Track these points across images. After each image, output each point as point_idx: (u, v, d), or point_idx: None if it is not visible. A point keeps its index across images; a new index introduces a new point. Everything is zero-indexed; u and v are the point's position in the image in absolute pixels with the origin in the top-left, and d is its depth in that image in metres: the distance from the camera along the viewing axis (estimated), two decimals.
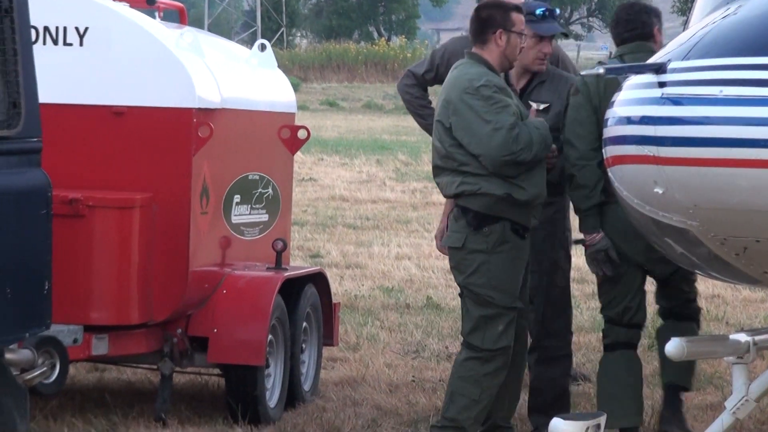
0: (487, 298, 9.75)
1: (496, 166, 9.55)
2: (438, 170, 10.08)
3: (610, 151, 9.22)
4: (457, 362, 10.14)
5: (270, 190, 12.45)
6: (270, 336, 11.20)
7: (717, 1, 9.88)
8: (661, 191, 8.52)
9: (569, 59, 12.82)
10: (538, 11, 11.19)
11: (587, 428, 9.34)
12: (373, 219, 25.62)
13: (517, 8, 10.34)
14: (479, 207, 9.63)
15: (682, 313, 11.31)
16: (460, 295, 10.15)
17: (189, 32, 12.63)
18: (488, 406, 10.05)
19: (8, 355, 8.37)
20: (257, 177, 12.15)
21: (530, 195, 9.77)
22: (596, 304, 13.08)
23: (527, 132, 9.69)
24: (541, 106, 10.80)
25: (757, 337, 10.32)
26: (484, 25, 9.89)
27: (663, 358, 11.20)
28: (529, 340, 11.29)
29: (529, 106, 10.62)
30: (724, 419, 9.98)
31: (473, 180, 9.59)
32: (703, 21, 9.61)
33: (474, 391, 9.89)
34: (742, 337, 10.34)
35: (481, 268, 9.69)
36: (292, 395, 11.82)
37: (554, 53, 12.33)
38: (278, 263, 11.77)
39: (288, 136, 12.63)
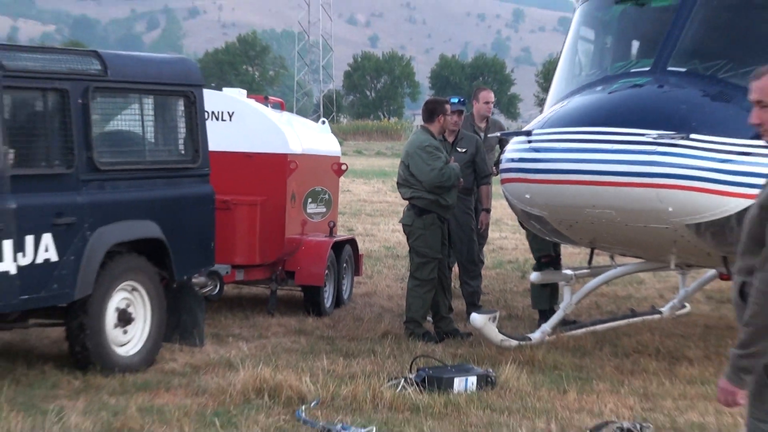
0: (423, 252, 13.85)
1: (430, 187, 13.56)
2: (400, 186, 14.33)
3: (503, 175, 12.26)
4: (408, 287, 14.15)
5: (327, 196, 16.19)
6: (326, 271, 15.12)
7: (556, 98, 12.63)
8: (528, 197, 11.49)
9: (499, 122, 16.36)
10: (454, 100, 14.73)
11: (489, 318, 12.67)
12: (380, 211, 28.66)
13: (447, 102, 14.33)
14: (421, 205, 13.82)
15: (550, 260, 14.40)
16: (409, 251, 14.33)
17: (285, 114, 16.95)
18: (427, 307, 14.07)
19: (194, 280, 12.54)
20: (320, 189, 15.95)
21: (448, 203, 13.76)
22: (495, 255, 18.44)
23: (448, 171, 13.44)
24: (462, 150, 14.73)
25: (578, 272, 13.80)
26: (432, 112, 13.67)
27: (532, 289, 14.79)
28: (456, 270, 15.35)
29: (458, 152, 14.63)
30: (556, 317, 13.57)
31: (418, 192, 13.73)
32: (549, 109, 12.47)
33: (418, 301, 13.90)
34: (569, 272, 13.74)
35: (420, 236, 13.83)
36: (338, 301, 16.07)
37: (492, 119, 16.12)
38: (330, 234, 15.98)
39: (336, 168, 16.64)
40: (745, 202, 9.55)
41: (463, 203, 14.53)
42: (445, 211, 13.86)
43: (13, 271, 9.93)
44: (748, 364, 5.13)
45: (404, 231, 14.32)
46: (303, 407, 9.92)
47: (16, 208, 9.94)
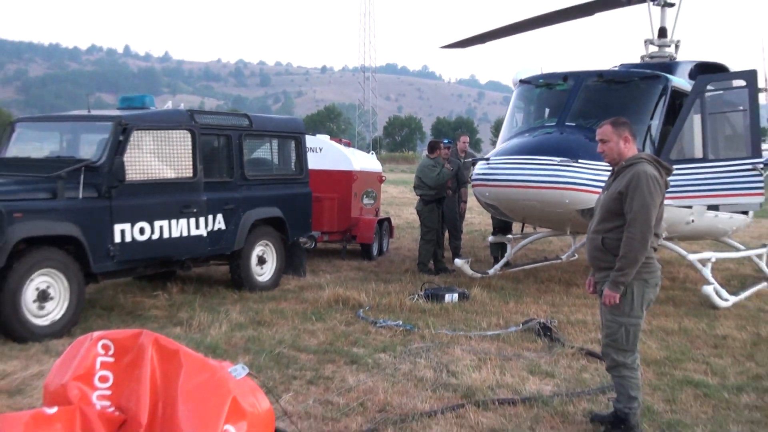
0: (428, 225, 13.28)
1: (434, 185, 13.04)
2: (415, 188, 13.54)
3: (473, 183, 11.43)
4: (420, 245, 13.51)
5: (374, 194, 15.49)
6: (374, 235, 14.62)
7: (502, 140, 12.07)
8: (487, 194, 10.98)
9: (472, 153, 15.22)
10: (446, 141, 14.10)
11: (465, 261, 12.56)
12: (403, 203, 26.53)
13: (441, 142, 13.90)
14: (427, 198, 13.28)
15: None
16: (420, 224, 13.64)
17: (351, 149, 16.31)
18: (430, 255, 13.44)
19: (300, 239, 12.16)
20: (370, 190, 15.33)
21: (441, 196, 13.35)
22: (468, 227, 17.30)
23: (442, 173, 12.99)
24: (450, 168, 13.50)
25: (515, 236, 13.54)
26: (433, 147, 13.47)
27: (490, 246, 14.32)
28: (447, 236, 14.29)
29: (448, 169, 13.39)
30: (503, 261, 13.14)
31: (425, 191, 13.23)
32: (499, 146, 11.82)
33: (424, 252, 13.34)
34: (510, 236, 13.51)
35: (426, 216, 13.26)
36: (380, 251, 15.24)
37: (468, 152, 15.08)
38: (376, 214, 15.43)
39: (379, 178, 16.01)
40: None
41: (451, 198, 13.99)
42: (439, 201, 13.44)
43: (204, 234, 10.23)
44: (623, 280, 5.44)
45: (417, 213, 13.87)
46: (361, 310, 9.90)
47: (206, 200, 10.19)
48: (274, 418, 4.62)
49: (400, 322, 9.23)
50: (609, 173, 5.88)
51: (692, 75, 12.26)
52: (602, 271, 5.72)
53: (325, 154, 14.78)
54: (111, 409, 4.37)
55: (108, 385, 4.44)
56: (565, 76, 11.64)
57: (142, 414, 4.29)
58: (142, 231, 9.33)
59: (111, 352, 4.51)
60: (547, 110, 11.69)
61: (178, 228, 9.79)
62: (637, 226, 5.40)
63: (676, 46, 13.63)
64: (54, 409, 4.20)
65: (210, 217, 10.28)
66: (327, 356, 7.83)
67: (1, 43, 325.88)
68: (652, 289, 5.69)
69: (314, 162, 13.51)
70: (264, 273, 11.50)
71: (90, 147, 9.70)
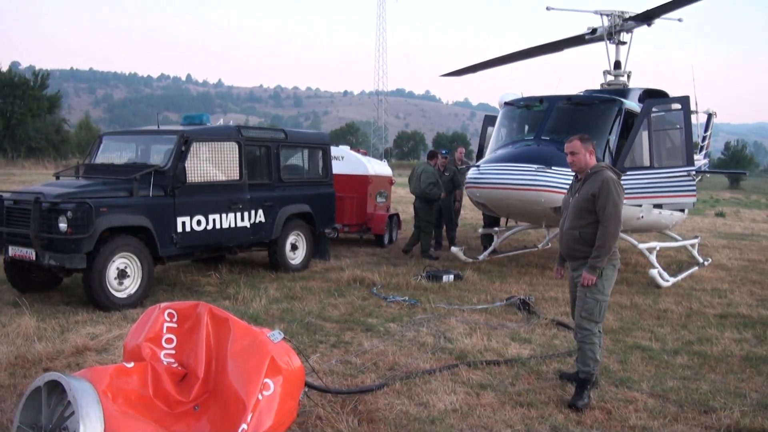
0: (427, 219, 12.95)
1: (421, 193, 12.77)
2: (413, 191, 13.13)
3: (466, 185, 11.21)
4: (422, 237, 13.07)
5: (385, 194, 15.21)
6: (385, 227, 14.47)
7: (490, 150, 11.92)
8: (478, 194, 10.83)
9: (467, 161, 14.77)
10: (443, 152, 14.28)
11: (460, 249, 12.50)
12: (409, 202, 28.69)
13: (439, 152, 13.94)
14: (424, 198, 12.89)
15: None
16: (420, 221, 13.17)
17: (367, 157, 15.88)
18: (430, 244, 13.24)
19: (325, 230, 12.08)
20: (383, 191, 15.04)
21: (437, 197, 12.98)
22: (462, 221, 16.58)
23: (434, 189, 12.80)
24: (447, 174, 13.79)
25: (500, 228, 13.33)
26: (432, 156, 13.25)
27: (481, 236, 14.05)
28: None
29: (445, 175, 13.76)
30: (490, 248, 12.96)
31: (421, 193, 12.83)
32: (487, 156, 11.67)
33: (426, 241, 13.02)
34: (497, 228, 13.36)
35: (424, 213, 12.95)
36: (390, 240, 14.98)
37: (463, 160, 14.76)
38: (387, 210, 15.12)
39: (389, 181, 15.64)
40: None
41: (447, 198, 13.86)
42: (434, 200, 13.17)
43: (248, 226, 10.15)
44: (599, 265, 5.50)
45: (415, 210, 13.53)
46: (374, 287, 9.87)
47: (249, 198, 10.14)
48: (305, 374, 4.65)
49: (407, 298, 9.22)
50: (573, 178, 5.92)
51: (641, 99, 12.39)
52: (578, 260, 5.75)
53: (346, 161, 14.69)
54: (175, 365, 4.44)
55: (172, 345, 4.50)
56: (541, 99, 11.64)
57: (199, 369, 4.36)
58: (199, 223, 9.39)
59: (175, 320, 4.58)
60: (526, 127, 11.66)
61: (228, 221, 9.80)
62: (611, 221, 5.48)
63: (628, 76, 13.83)
64: (131, 364, 4.27)
65: (253, 211, 10.26)
66: (347, 325, 7.84)
67: (94, 72, 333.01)
68: (616, 272, 5.75)
69: (337, 168, 13.42)
70: (296, 257, 11.46)
71: (159, 155, 9.78)
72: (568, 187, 9.57)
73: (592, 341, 5.57)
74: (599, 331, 5.68)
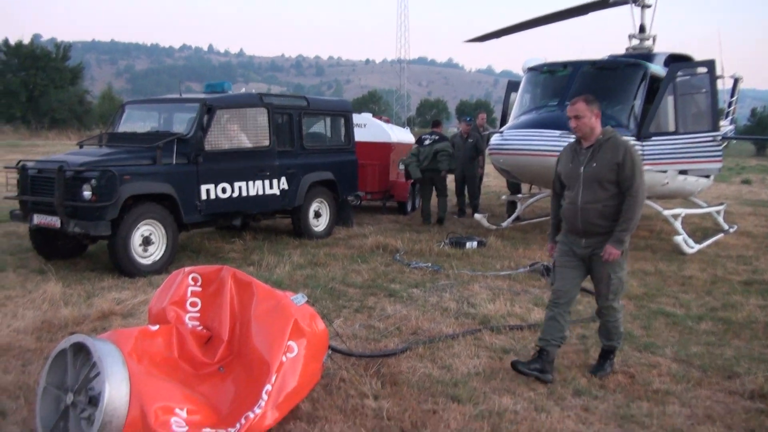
0: (445, 186, 12.96)
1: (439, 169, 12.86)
2: (421, 167, 12.87)
3: (490, 151, 11.20)
4: (440, 202, 13.03)
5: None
6: (408, 194, 14.49)
7: (513, 116, 11.82)
8: (501, 160, 10.82)
9: (489, 127, 14.70)
10: (467, 118, 14.36)
11: (483, 216, 12.54)
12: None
13: (463, 119, 13.97)
14: (431, 169, 12.80)
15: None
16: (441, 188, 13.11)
17: (389, 125, 15.80)
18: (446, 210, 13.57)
19: (348, 197, 12.06)
20: (405, 157, 13.81)
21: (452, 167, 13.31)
22: (485, 188, 16.61)
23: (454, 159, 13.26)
24: (471, 140, 13.84)
25: (524, 195, 13.33)
26: (436, 124, 13.36)
27: (507, 204, 14.30)
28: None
29: (468, 141, 13.88)
30: (514, 215, 13.00)
31: (447, 164, 12.74)
32: (511, 122, 11.58)
33: (444, 207, 13.03)
34: (520, 195, 13.46)
35: (441, 181, 12.96)
36: (413, 207, 14.83)
37: (485, 126, 14.69)
38: (406, 177, 14.05)
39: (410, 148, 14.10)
40: None
41: (471, 165, 13.90)
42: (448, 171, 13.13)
43: (277, 193, 10.21)
44: (627, 239, 5.10)
45: (435, 181, 13.22)
46: (397, 254, 9.87)
47: (278, 165, 10.16)
48: (328, 337, 4.67)
49: (429, 264, 9.22)
50: (573, 145, 5.40)
51: (666, 63, 12.17)
52: (596, 236, 5.20)
53: (369, 129, 14.62)
54: (199, 328, 4.48)
55: (197, 309, 4.54)
56: (565, 64, 11.52)
57: (223, 332, 4.41)
58: (224, 190, 9.41)
59: (199, 283, 4.61)
60: (550, 92, 11.54)
61: (255, 188, 9.81)
62: (639, 191, 5.05)
63: (654, 40, 13.60)
64: (156, 327, 4.33)
65: (280, 179, 10.25)
66: (370, 290, 7.87)
67: (115, 44, 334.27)
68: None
69: (359, 135, 13.35)
70: (319, 224, 11.48)
71: (181, 123, 9.81)
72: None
73: (616, 318, 5.35)
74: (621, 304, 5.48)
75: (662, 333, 6.48)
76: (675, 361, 5.65)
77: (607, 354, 5.43)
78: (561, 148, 9.48)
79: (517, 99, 12.38)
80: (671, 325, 6.73)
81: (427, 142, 13.04)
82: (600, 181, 5.13)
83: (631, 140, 10.12)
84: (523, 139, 10.43)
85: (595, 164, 5.15)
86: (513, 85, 13.34)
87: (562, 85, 11.21)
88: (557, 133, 10.04)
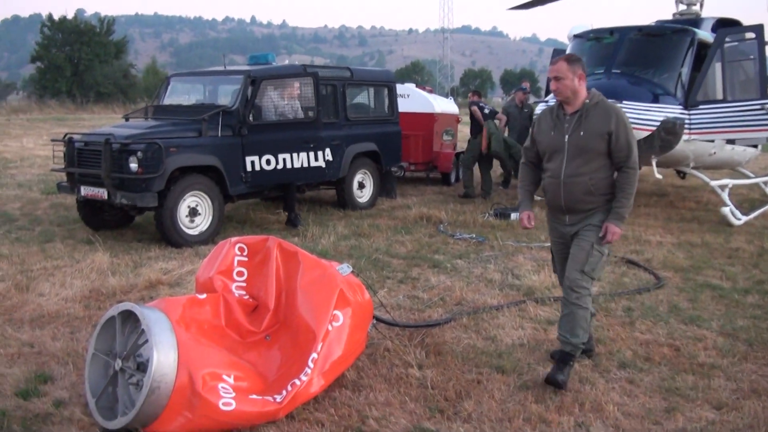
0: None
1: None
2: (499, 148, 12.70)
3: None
4: (486, 174, 12.91)
5: (452, 131, 15.00)
6: (452, 165, 14.41)
7: None
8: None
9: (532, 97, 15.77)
10: (523, 87, 14.24)
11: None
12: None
13: (520, 88, 13.85)
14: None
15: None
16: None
17: (433, 95, 15.83)
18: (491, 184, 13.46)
19: (392, 168, 12.05)
20: (449, 129, 14.83)
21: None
22: None
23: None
24: (526, 110, 13.85)
25: None
26: (476, 93, 14.25)
27: None
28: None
29: (524, 111, 13.87)
30: None
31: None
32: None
33: (488, 182, 13.09)
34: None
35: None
36: (457, 179, 14.65)
37: (527, 96, 14.63)
38: (454, 148, 14.89)
39: (456, 119, 15.37)
40: (644, 134, 9.51)
41: (526, 134, 13.41)
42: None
43: (322, 164, 10.12)
44: (626, 214, 4.52)
45: (495, 152, 13.01)
46: (441, 225, 9.91)
47: (322, 136, 10.11)
48: (373, 307, 4.71)
49: (474, 235, 9.22)
50: (553, 110, 4.65)
51: (713, 29, 11.94)
52: (582, 213, 4.59)
53: (412, 99, 14.51)
54: (246, 297, 4.53)
55: (243, 278, 4.58)
56: (611, 31, 11.33)
57: (270, 301, 4.45)
58: (268, 162, 9.46)
59: (245, 253, 4.66)
60: (595, 60, 11.30)
61: (299, 160, 9.83)
62: (634, 160, 4.46)
63: (701, 5, 13.34)
64: (204, 296, 4.38)
65: (324, 150, 10.22)
66: (414, 261, 7.88)
67: (159, 17, 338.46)
68: None
69: (403, 106, 13.24)
70: (363, 195, 11.50)
71: (226, 96, 9.86)
72: (640, 121, 9.51)
73: (586, 304, 4.54)
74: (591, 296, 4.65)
75: (708, 306, 6.38)
76: (721, 334, 5.57)
77: (566, 358, 4.57)
78: None
79: None
80: (717, 298, 6.62)
81: (486, 111, 12.93)
82: (588, 151, 4.49)
83: (678, 109, 10.08)
84: None
85: (582, 133, 4.49)
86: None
87: (609, 52, 11.03)
88: None
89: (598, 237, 4.54)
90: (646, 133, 9.68)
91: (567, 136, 4.53)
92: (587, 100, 4.51)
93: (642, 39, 11.08)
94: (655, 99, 10.01)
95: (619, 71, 10.72)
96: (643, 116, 9.72)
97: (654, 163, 10.33)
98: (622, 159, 4.47)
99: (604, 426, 3.98)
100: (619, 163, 4.49)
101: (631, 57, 10.90)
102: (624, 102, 9.76)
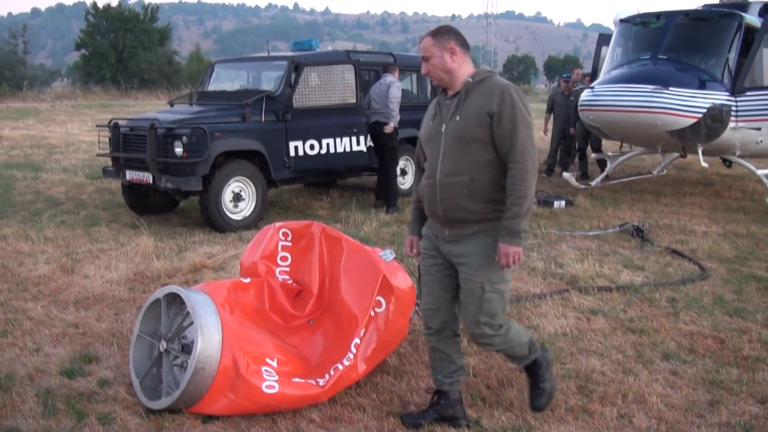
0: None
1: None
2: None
3: (579, 108, 10.85)
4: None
5: None
6: None
7: (604, 71, 11.47)
8: (591, 117, 10.55)
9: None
10: (564, 75, 14.72)
11: (572, 175, 11.95)
12: None
13: (561, 76, 14.38)
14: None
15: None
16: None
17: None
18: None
19: None
20: None
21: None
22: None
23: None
24: (571, 98, 13.57)
25: (614, 153, 12.77)
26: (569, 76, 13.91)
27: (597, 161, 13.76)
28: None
29: (570, 99, 13.63)
30: (603, 174, 12.62)
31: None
32: (602, 77, 11.27)
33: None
34: (610, 153, 12.89)
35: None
36: None
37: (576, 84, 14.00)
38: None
39: None
40: (690, 121, 9.55)
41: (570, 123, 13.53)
42: None
43: (364, 150, 10.14)
44: (524, 228, 3.39)
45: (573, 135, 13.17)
46: None
47: (365, 122, 10.09)
48: (416, 293, 4.70)
49: None
50: (440, 98, 3.67)
51: (761, 13, 11.66)
52: (463, 226, 3.50)
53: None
54: (290, 282, 4.58)
55: (287, 263, 4.63)
56: (658, 15, 11.17)
57: (313, 286, 4.49)
58: (312, 147, 9.48)
59: (289, 238, 4.69)
60: (642, 45, 11.20)
61: (342, 145, 9.83)
62: (528, 152, 3.33)
63: None
64: (248, 280, 4.44)
65: (367, 136, 10.18)
66: None
67: (202, 4, 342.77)
68: None
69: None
70: (405, 182, 11.39)
71: (270, 81, 9.90)
72: (686, 108, 9.51)
73: (508, 339, 3.67)
74: (508, 323, 3.70)
75: (753, 298, 6.24)
76: (766, 327, 5.44)
77: (530, 371, 3.91)
78: (653, 104, 9.64)
79: (608, 53, 12.08)
80: (763, 290, 6.47)
81: None
82: (466, 141, 3.40)
83: (724, 96, 9.91)
84: (614, 95, 10.18)
85: (458, 117, 3.44)
86: (604, 39, 13.00)
87: (655, 37, 10.88)
88: (650, 87, 9.76)
89: (490, 272, 3.47)
90: (692, 121, 9.59)
91: (444, 125, 3.50)
92: (470, 78, 3.46)
93: (689, 23, 10.90)
94: (702, 85, 9.88)
95: (665, 57, 10.57)
96: (689, 103, 9.62)
97: (700, 152, 10.18)
98: (507, 149, 3.35)
99: (647, 418, 3.94)
100: (505, 156, 3.37)
101: (677, 42, 10.74)
102: (671, 88, 9.69)
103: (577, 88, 13.54)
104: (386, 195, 10.13)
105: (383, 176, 10.17)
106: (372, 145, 10.22)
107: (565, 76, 14.19)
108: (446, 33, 3.55)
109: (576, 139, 13.56)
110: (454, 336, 3.81)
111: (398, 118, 9.80)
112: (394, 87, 9.73)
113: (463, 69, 3.51)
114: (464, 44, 3.56)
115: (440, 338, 3.78)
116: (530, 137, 3.36)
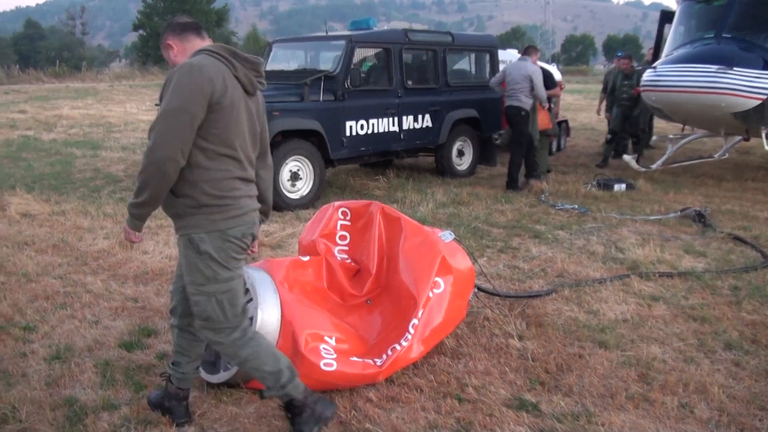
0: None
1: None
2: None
3: (642, 88, 10.68)
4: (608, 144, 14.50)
5: (554, 99, 12.85)
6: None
7: (667, 51, 11.32)
8: (654, 98, 10.45)
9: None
10: (619, 54, 13.43)
11: (632, 157, 11.90)
12: (578, 109, 22.02)
13: (617, 55, 13.58)
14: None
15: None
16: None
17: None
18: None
19: (493, 136, 11.56)
20: (552, 96, 12.15)
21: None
22: None
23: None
24: (630, 81, 13.27)
25: (676, 136, 12.40)
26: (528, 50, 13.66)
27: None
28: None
29: (630, 79, 13.12)
30: (664, 157, 12.28)
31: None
32: (664, 57, 11.07)
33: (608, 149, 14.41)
34: (671, 136, 12.45)
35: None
36: (558, 147, 14.27)
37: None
38: (556, 117, 13.22)
39: (560, 86, 13.79)
40: (754, 103, 9.39)
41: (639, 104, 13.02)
42: None
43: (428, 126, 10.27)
44: (136, 211, 3.09)
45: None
46: (543, 194, 9.75)
47: (422, 102, 10.18)
48: (475, 275, 4.68)
49: (576, 206, 9.03)
50: (752, 80, 3.98)
51: None
52: (174, 219, 3.21)
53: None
54: (348, 261, 4.58)
55: (346, 242, 4.64)
56: None
57: (371, 265, 4.48)
58: (371, 126, 9.54)
59: (348, 218, 4.70)
60: (706, 24, 10.96)
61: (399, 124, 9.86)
62: (154, 142, 2.93)
63: None
64: (307, 258, 4.45)
65: (420, 116, 10.21)
66: (514, 231, 7.79)
67: None
68: (236, 241, 3.20)
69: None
70: (462, 163, 11.42)
71: (327, 61, 9.92)
72: (752, 89, 9.33)
73: (242, 352, 3.29)
74: (246, 333, 3.31)
75: None
76: None
77: (288, 406, 3.44)
78: (717, 85, 9.47)
79: (671, 32, 11.85)
80: None
81: None
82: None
83: None
84: (676, 75, 9.99)
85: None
86: (666, 17, 12.68)
87: (719, 15, 10.63)
88: (714, 68, 9.57)
89: (192, 273, 3.19)
90: (757, 102, 9.41)
91: None
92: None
93: (754, 1, 10.61)
94: (767, 65, 9.65)
95: (729, 36, 10.35)
96: (754, 84, 9.43)
97: (764, 135, 10.01)
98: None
99: (709, 409, 3.85)
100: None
101: (742, 20, 10.47)
102: (735, 69, 9.50)
103: (639, 68, 13.22)
104: (532, 169, 10.50)
105: (516, 157, 10.25)
106: (430, 125, 10.25)
107: (619, 55, 13.78)
108: (169, 27, 3.27)
109: (612, 122, 13.29)
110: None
111: (546, 101, 10.30)
112: (539, 73, 9.95)
113: (180, 61, 3.22)
114: (199, 31, 3.31)
115: (180, 323, 3.55)
116: (164, 124, 2.94)
